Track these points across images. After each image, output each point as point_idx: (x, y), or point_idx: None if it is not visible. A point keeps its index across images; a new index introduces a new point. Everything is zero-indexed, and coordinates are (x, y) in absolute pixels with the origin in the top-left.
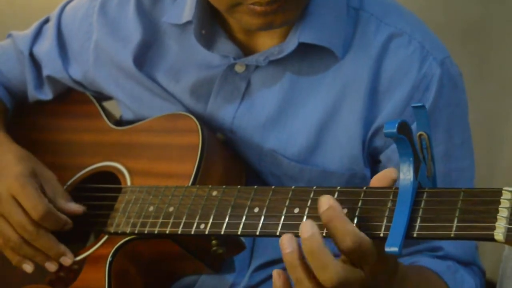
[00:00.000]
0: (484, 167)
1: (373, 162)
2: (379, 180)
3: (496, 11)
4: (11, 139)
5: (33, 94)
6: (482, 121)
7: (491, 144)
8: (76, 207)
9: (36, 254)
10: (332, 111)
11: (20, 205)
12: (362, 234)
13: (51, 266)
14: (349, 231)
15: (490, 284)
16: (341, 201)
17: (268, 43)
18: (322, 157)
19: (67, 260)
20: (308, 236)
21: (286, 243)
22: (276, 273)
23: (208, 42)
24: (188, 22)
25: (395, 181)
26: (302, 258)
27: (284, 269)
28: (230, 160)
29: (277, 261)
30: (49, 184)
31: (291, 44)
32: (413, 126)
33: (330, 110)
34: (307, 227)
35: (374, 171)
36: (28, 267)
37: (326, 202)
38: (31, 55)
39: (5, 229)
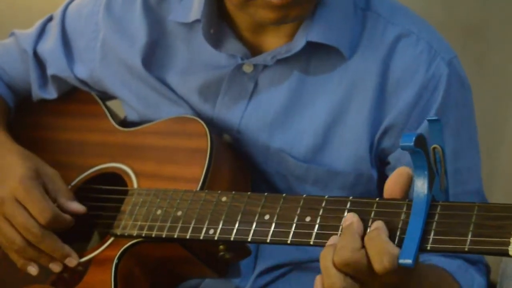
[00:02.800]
0: (484, 167)
1: (381, 164)
2: (395, 180)
3: (496, 11)
4: (12, 138)
5: (37, 93)
6: (482, 121)
7: (491, 144)
8: (77, 207)
9: (41, 256)
10: (339, 111)
11: (25, 208)
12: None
13: (56, 267)
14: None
15: (490, 284)
16: (353, 212)
17: (275, 43)
18: (329, 157)
19: (73, 261)
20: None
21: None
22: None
23: (216, 41)
24: (196, 21)
25: (411, 177)
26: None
27: (288, 272)
28: (237, 162)
29: (281, 266)
30: (52, 182)
31: (298, 43)
32: (423, 129)
33: (337, 110)
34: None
35: (381, 173)
36: (33, 270)
37: (375, 225)
38: (35, 54)
39: (9, 232)
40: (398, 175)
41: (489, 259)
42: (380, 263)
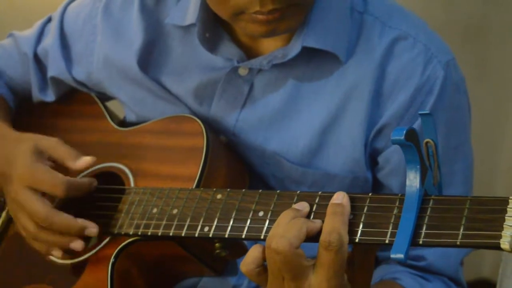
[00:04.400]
0: (484, 167)
1: (373, 164)
2: None
3: (496, 11)
4: (9, 127)
5: (37, 96)
6: (482, 121)
7: (491, 144)
8: (85, 161)
9: (59, 238)
10: (335, 115)
11: (34, 193)
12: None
13: (77, 245)
14: (338, 231)
15: (490, 284)
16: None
17: (271, 47)
18: (325, 160)
19: (92, 230)
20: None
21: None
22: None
23: (211, 45)
24: (192, 25)
25: None
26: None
27: None
28: (234, 162)
29: None
30: (55, 152)
31: (294, 48)
32: (415, 126)
33: (333, 114)
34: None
35: (373, 174)
36: (56, 253)
37: (341, 197)
38: (35, 57)
39: (23, 221)
40: None
41: (489, 258)
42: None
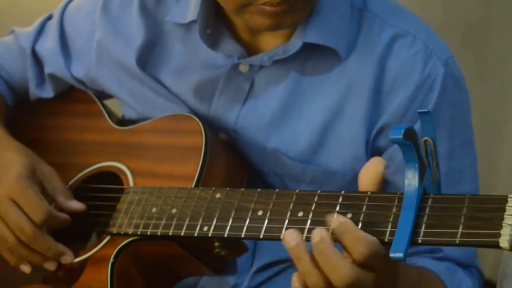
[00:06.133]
0: (484, 167)
1: None
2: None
3: (496, 11)
4: (11, 135)
5: (34, 92)
6: (482, 121)
7: (491, 144)
8: (76, 205)
9: (34, 255)
10: (336, 111)
11: (20, 208)
12: (374, 239)
13: (50, 266)
14: (361, 239)
15: (490, 284)
16: (345, 206)
17: (272, 43)
18: (325, 157)
19: (68, 258)
20: (318, 240)
21: (290, 237)
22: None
23: (212, 41)
24: (193, 22)
25: (381, 174)
26: (307, 251)
27: (286, 268)
28: (233, 160)
29: (279, 262)
30: (49, 181)
31: (295, 44)
32: (416, 126)
33: (333, 110)
34: (317, 231)
35: None
36: (25, 268)
37: (336, 220)
38: (33, 52)
39: (2, 231)
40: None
41: (489, 258)
42: (357, 251)
